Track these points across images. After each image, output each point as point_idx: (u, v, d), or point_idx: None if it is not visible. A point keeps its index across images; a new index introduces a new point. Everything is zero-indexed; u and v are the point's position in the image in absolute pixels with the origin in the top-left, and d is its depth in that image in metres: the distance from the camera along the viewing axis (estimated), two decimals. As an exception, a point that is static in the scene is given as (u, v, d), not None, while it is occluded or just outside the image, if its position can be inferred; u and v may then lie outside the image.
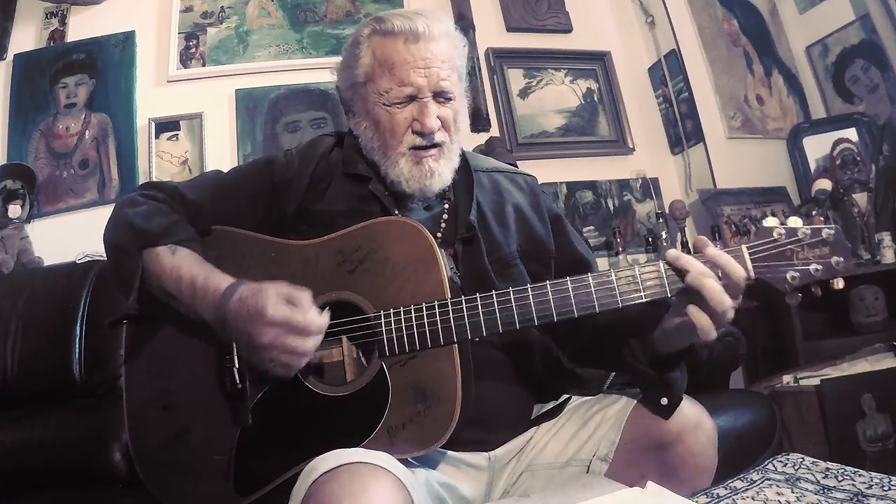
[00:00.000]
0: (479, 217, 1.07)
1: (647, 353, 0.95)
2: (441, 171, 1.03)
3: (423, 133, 1.01)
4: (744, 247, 0.85)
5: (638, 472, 0.91)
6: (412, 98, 1.01)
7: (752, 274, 0.84)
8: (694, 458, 0.89)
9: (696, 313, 0.83)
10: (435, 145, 1.02)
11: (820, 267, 0.83)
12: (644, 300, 0.85)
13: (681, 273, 0.84)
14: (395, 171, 1.03)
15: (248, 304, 0.85)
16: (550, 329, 1.08)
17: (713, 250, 0.84)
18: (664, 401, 0.91)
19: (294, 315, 0.83)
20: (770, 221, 0.86)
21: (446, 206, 1.09)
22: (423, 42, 1.00)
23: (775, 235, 0.85)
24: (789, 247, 0.84)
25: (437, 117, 1.01)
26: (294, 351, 0.84)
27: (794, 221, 0.85)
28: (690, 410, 0.91)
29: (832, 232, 0.84)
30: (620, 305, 0.86)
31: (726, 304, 0.82)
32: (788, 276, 0.84)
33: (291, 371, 0.87)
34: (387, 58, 1.01)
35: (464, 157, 1.11)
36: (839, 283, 0.84)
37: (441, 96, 1.02)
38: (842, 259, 0.83)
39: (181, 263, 0.93)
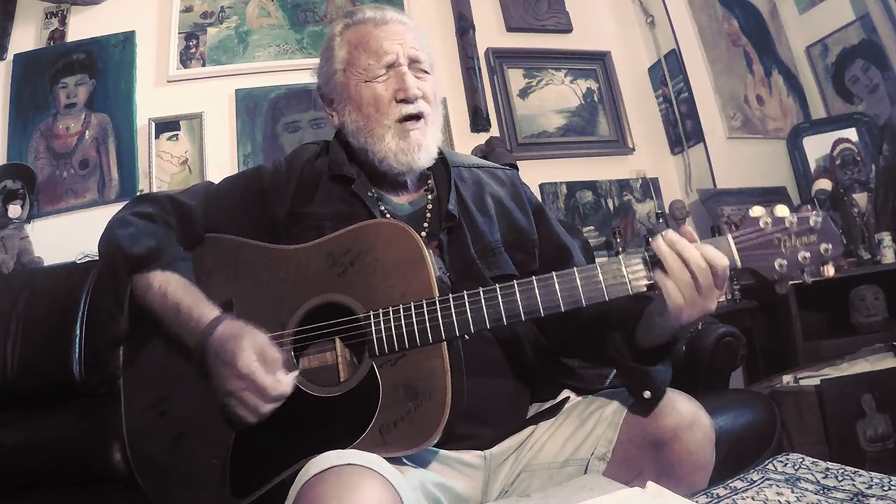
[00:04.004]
0: (462, 208, 1.09)
1: (630, 347, 0.95)
2: (427, 144, 1.06)
3: (406, 99, 1.04)
4: (729, 236, 0.84)
5: (635, 470, 0.91)
6: (390, 67, 1.05)
7: (738, 263, 0.83)
8: (690, 456, 0.89)
9: (662, 280, 0.83)
10: (420, 116, 1.06)
11: (808, 254, 0.82)
12: (630, 293, 0.85)
13: (658, 265, 0.84)
14: (382, 146, 1.05)
15: (225, 347, 0.87)
16: (539, 322, 1.08)
17: (690, 250, 0.83)
18: (647, 394, 0.91)
19: (259, 374, 0.85)
20: (756, 211, 0.85)
21: (430, 197, 1.12)
22: (391, 24, 1.09)
23: (761, 224, 0.83)
24: (776, 235, 0.83)
25: (417, 88, 1.05)
26: (249, 407, 0.86)
27: (781, 210, 0.84)
28: (687, 408, 0.91)
29: (820, 219, 0.83)
30: (607, 299, 0.85)
31: (679, 301, 0.81)
32: (776, 263, 0.83)
33: (244, 423, 0.88)
34: (361, 40, 1.08)
35: (442, 155, 1.14)
36: (829, 271, 0.83)
37: (416, 64, 1.07)
38: (831, 246, 0.82)
39: (167, 287, 0.94)
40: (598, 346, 1.00)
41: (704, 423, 0.91)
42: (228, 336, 0.87)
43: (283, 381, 0.86)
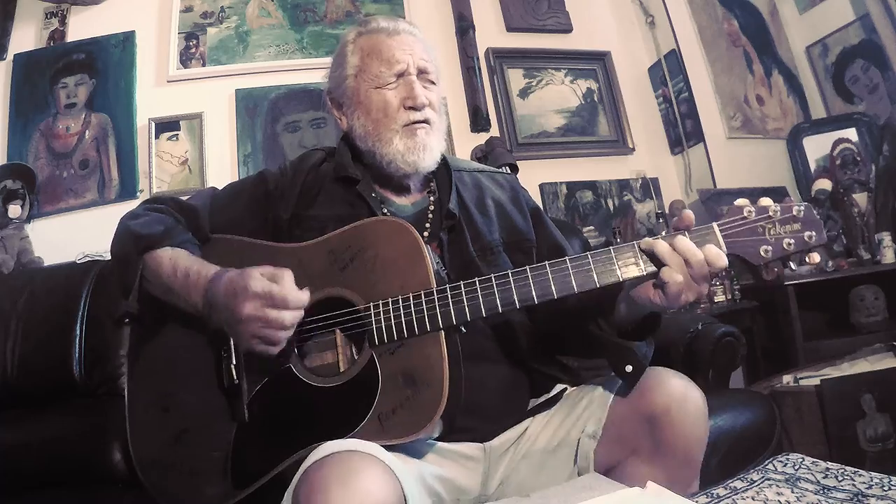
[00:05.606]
0: (462, 209, 1.13)
1: (611, 323, 0.98)
2: (432, 146, 1.10)
3: (415, 106, 1.08)
4: (714, 224, 0.88)
5: (630, 446, 0.93)
6: (400, 76, 1.10)
7: (724, 249, 0.86)
8: (684, 429, 0.90)
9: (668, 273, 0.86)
10: (426, 121, 1.10)
11: (792, 241, 0.86)
12: (621, 280, 0.88)
13: (653, 257, 0.87)
14: (390, 149, 1.09)
15: (233, 283, 0.89)
16: (530, 313, 1.11)
17: (681, 241, 0.86)
18: (628, 368, 0.93)
19: (273, 287, 0.87)
20: (740, 201, 0.89)
21: (432, 199, 1.15)
22: (403, 35, 1.14)
23: (745, 214, 0.87)
24: (760, 224, 0.87)
25: (425, 97, 1.10)
26: (274, 322, 0.87)
27: (765, 201, 0.88)
28: (677, 383, 0.93)
29: (802, 209, 0.86)
30: (598, 286, 0.88)
31: (678, 281, 0.84)
32: (761, 250, 0.86)
33: (274, 344, 0.89)
34: (374, 48, 1.12)
35: (444, 160, 1.18)
36: (814, 258, 0.87)
37: (424, 74, 1.12)
38: (814, 233, 0.86)
39: (177, 259, 0.97)
40: (584, 327, 1.02)
41: (696, 397, 0.92)
42: (235, 275, 0.90)
43: (299, 291, 0.88)
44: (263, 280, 0.87)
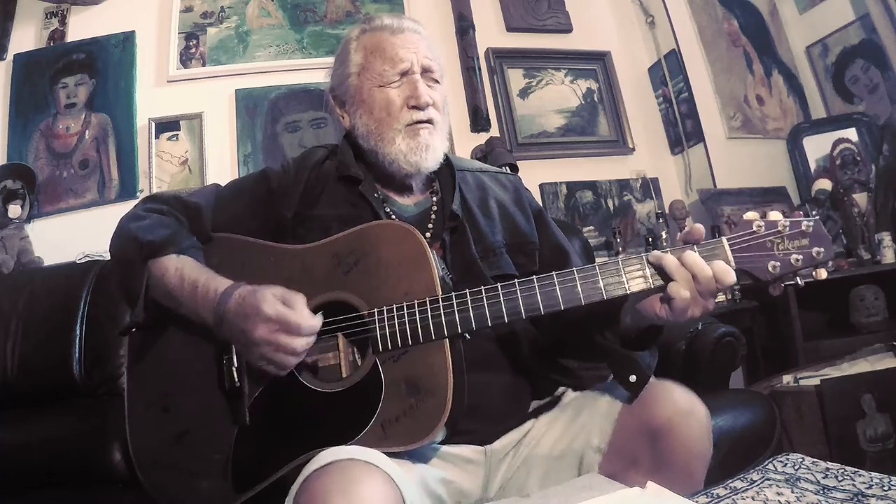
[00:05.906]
0: (465, 210, 1.12)
1: (615, 333, 0.98)
2: (435, 146, 1.09)
3: (418, 106, 1.07)
4: (724, 238, 0.87)
5: (630, 458, 0.92)
6: (404, 75, 1.09)
7: (733, 264, 0.86)
8: (686, 444, 0.89)
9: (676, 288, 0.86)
10: (429, 121, 1.09)
11: (801, 257, 0.85)
12: (628, 293, 0.87)
13: (661, 271, 0.87)
14: (392, 149, 1.08)
15: (245, 303, 0.88)
16: (534, 320, 1.09)
17: (689, 256, 0.86)
18: (632, 378, 0.93)
19: (287, 313, 0.87)
20: (750, 215, 0.88)
21: (434, 199, 1.14)
22: (407, 32, 1.12)
23: (755, 228, 0.87)
24: (769, 238, 0.86)
25: (428, 96, 1.08)
26: (285, 348, 0.87)
27: (774, 215, 0.87)
28: (683, 397, 0.92)
29: (811, 224, 0.86)
30: (605, 298, 0.88)
31: (685, 297, 0.85)
32: (769, 266, 0.86)
33: (283, 369, 0.89)
34: (377, 46, 1.11)
35: (448, 160, 1.17)
36: (821, 274, 0.86)
37: (428, 73, 1.11)
38: (822, 249, 0.85)
39: (183, 268, 0.96)
40: (588, 336, 1.02)
41: (700, 413, 0.91)
42: (246, 294, 0.89)
43: (312, 317, 0.88)
44: (277, 303, 0.87)
